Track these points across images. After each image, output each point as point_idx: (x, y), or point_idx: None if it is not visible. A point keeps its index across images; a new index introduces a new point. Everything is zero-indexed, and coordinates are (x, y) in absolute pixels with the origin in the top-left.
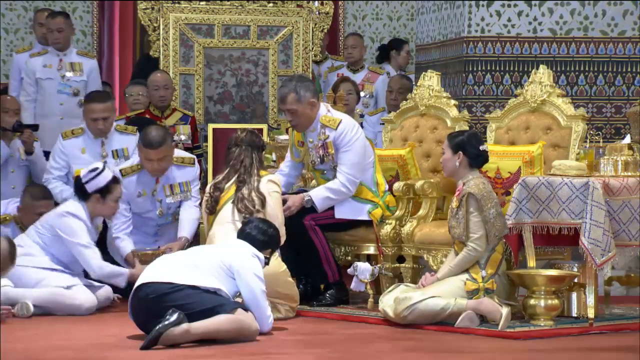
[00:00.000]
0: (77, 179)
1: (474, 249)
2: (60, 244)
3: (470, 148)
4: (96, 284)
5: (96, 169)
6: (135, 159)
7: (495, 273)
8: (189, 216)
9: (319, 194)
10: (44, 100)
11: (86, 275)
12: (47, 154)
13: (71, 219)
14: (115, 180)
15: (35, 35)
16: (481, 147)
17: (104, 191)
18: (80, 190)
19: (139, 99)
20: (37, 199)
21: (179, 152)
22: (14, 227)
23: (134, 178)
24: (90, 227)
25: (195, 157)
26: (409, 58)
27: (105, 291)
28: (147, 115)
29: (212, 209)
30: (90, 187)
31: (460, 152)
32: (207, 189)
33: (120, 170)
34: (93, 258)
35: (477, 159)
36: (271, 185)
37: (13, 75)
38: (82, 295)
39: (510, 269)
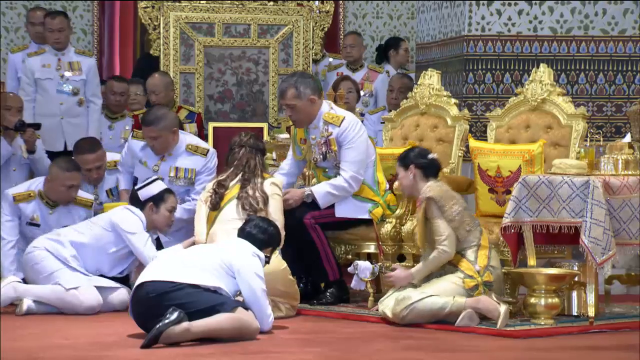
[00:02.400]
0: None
1: (443, 250)
2: (97, 250)
3: (419, 159)
4: (112, 285)
5: (149, 177)
6: None
7: (488, 264)
8: None
9: (320, 189)
10: (44, 100)
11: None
12: (46, 154)
13: (129, 213)
14: (169, 191)
15: (29, 34)
16: (429, 156)
17: (158, 199)
18: (134, 200)
19: (136, 99)
20: (67, 170)
21: (195, 140)
22: (40, 203)
23: (141, 144)
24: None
25: (211, 149)
26: (408, 55)
27: (120, 294)
28: None
29: (216, 205)
30: (143, 195)
31: (412, 166)
32: (210, 185)
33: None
34: (150, 249)
35: (430, 168)
36: (274, 188)
37: (10, 75)
38: (85, 294)
39: (506, 262)
